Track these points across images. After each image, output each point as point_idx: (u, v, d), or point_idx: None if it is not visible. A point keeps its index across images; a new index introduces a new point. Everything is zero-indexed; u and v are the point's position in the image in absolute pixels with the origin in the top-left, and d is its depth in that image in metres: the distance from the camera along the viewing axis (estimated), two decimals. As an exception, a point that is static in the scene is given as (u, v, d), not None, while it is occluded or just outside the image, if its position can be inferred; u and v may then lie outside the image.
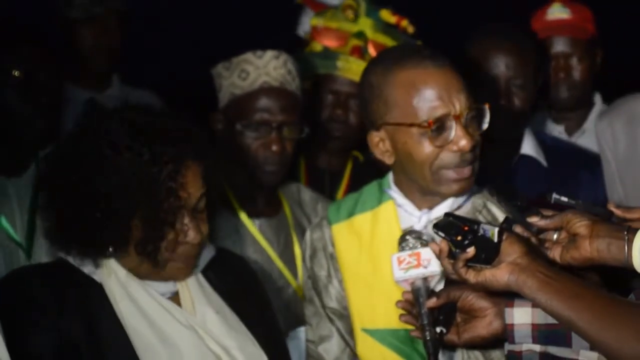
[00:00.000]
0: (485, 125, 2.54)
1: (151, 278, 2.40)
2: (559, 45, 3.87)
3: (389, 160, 2.60)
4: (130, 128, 2.32)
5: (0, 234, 2.98)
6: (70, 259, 2.39)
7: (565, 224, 2.22)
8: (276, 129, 3.11)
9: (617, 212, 2.27)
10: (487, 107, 2.54)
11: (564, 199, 2.37)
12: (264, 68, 3.13)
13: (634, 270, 2.12)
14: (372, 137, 2.60)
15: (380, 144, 2.59)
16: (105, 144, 2.30)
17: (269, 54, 3.15)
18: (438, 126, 2.48)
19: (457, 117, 2.48)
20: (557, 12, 3.89)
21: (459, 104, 2.48)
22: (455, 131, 2.48)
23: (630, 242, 2.10)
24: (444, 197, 2.58)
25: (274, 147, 3.09)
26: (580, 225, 2.19)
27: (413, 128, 2.49)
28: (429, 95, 2.48)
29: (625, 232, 2.12)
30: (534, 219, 2.24)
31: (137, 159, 2.29)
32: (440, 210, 2.58)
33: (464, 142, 2.47)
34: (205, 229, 2.41)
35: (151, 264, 2.34)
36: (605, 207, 2.32)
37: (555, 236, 2.24)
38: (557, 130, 4.06)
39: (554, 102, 3.98)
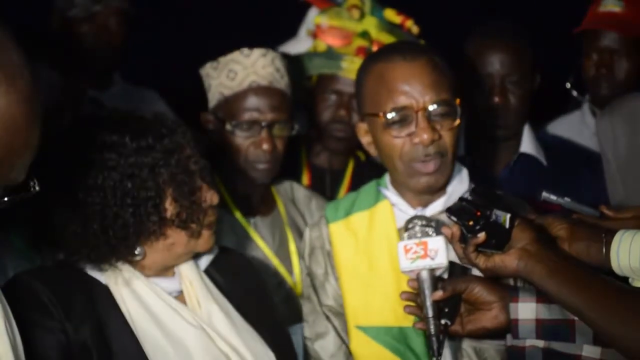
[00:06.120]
0: (457, 122, 2.55)
1: (161, 274, 2.42)
2: (605, 40, 3.65)
3: (373, 152, 2.65)
4: (118, 122, 2.39)
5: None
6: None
7: (546, 227, 2.22)
8: (266, 128, 3.10)
9: (609, 213, 2.27)
10: (457, 102, 2.55)
11: (553, 197, 2.38)
12: (252, 67, 3.12)
13: (612, 272, 2.12)
14: (359, 128, 2.67)
15: (366, 136, 2.65)
16: (107, 143, 2.34)
17: (256, 52, 3.15)
18: (400, 118, 2.52)
19: (419, 110, 2.51)
20: (610, 4, 3.66)
21: (424, 98, 2.51)
22: (416, 124, 2.51)
23: (608, 244, 2.11)
24: (416, 192, 2.59)
25: (265, 146, 3.09)
26: (560, 228, 2.20)
27: (378, 118, 2.54)
28: (393, 87, 2.53)
29: (603, 235, 2.13)
30: None
31: (142, 145, 2.35)
32: (434, 208, 2.59)
33: (424, 136, 2.49)
34: (217, 196, 2.47)
35: (192, 235, 2.39)
36: (595, 207, 2.31)
37: None
38: None
39: (594, 98, 3.80)
